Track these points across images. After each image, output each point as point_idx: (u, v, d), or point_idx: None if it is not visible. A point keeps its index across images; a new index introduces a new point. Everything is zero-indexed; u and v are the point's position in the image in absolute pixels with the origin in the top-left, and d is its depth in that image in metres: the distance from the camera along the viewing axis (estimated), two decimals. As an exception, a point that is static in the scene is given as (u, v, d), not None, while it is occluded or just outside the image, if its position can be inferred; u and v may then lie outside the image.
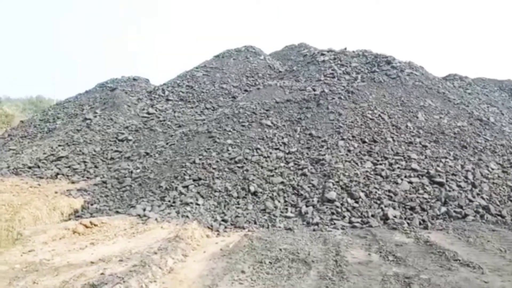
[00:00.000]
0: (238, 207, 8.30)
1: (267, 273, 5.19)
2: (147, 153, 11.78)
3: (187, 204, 8.33)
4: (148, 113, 15.72)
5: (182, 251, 5.98)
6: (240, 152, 10.06)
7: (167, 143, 11.81)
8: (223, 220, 7.78)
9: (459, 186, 8.89)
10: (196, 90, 17.48)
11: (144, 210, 8.19)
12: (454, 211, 8.10)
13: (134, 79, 19.87)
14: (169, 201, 8.56)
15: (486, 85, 21.71)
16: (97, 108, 16.42)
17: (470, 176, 9.29)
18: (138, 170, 10.43)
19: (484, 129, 12.28)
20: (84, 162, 12.20)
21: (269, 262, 5.57)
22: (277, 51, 25.35)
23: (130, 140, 13.32)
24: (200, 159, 9.91)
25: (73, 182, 10.82)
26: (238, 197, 8.63)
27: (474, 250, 6.32)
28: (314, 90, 13.36)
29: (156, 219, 7.66)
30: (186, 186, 8.94)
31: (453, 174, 9.26)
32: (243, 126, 11.34)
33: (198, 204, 8.35)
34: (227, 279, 5.04)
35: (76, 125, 14.80)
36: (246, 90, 16.66)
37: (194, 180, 9.14)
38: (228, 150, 10.22)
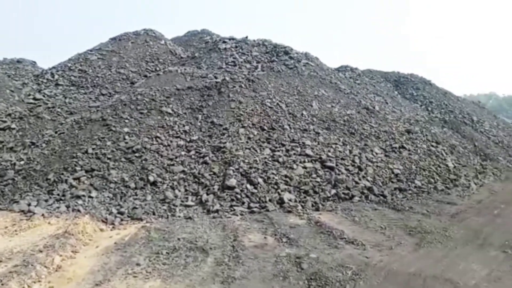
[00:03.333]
0: (135, 198, 8.02)
1: (164, 264, 5.13)
2: (33, 143, 10.70)
3: (78, 197, 7.81)
4: (35, 98, 14.26)
5: (72, 248, 5.62)
6: (138, 141, 9.67)
7: (56, 132, 10.84)
8: (119, 213, 7.45)
9: (347, 169, 9.66)
10: (90, 75, 16.29)
11: (29, 205, 7.49)
12: (343, 193, 8.80)
13: (18, 61, 17.83)
14: (58, 194, 7.94)
15: (374, 76, 23.72)
16: (-28, 92, 14.47)
17: (357, 160, 10.15)
18: (22, 162, 9.45)
19: (370, 117, 13.47)
20: (-44, 154, 10.69)
21: (166, 253, 5.50)
22: (179, 36, 24.76)
23: (14, 128, 11.95)
24: (93, 148, 9.31)
25: None
26: (136, 188, 8.33)
27: (359, 228, 6.96)
28: (215, 77, 13.36)
29: (42, 215, 7.07)
30: (78, 178, 8.36)
31: (342, 159, 10.02)
32: (141, 113, 10.89)
33: (91, 197, 7.88)
34: (120, 273, 4.86)
35: None
36: (145, 76, 16.02)
37: (86, 172, 8.58)
38: (125, 138, 9.76)
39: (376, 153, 10.94)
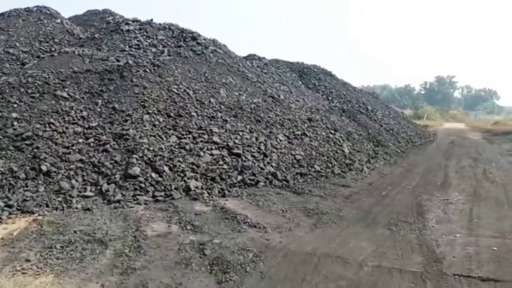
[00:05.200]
0: (26, 190, 7.29)
1: (57, 258, 4.77)
2: None
3: (-44, 190, 6.90)
4: None
5: None
6: (29, 128, 8.80)
7: None
8: (7, 206, 6.71)
9: (253, 156, 9.90)
10: (-28, 54, 14.42)
11: None
12: (249, 179, 9.01)
13: None
14: None
15: (280, 66, 24.44)
16: None
17: (263, 147, 10.44)
18: None
19: (275, 105, 13.91)
20: None
21: (61, 246, 5.12)
22: (77, 15, 22.98)
23: None
24: (-26, 136, 8.28)
25: None
26: (26, 179, 7.58)
27: (262, 212, 7.20)
28: (118, 61, 12.64)
29: None
30: (-45, 169, 7.37)
31: (248, 146, 10.22)
32: (32, 97, 9.89)
33: (-27, 190, 7.01)
34: (7, 271, 4.43)
35: None
36: (38, 57, 14.58)
37: (-34, 162, 7.61)
38: (13, 125, 8.80)
39: (280, 140, 11.36)
